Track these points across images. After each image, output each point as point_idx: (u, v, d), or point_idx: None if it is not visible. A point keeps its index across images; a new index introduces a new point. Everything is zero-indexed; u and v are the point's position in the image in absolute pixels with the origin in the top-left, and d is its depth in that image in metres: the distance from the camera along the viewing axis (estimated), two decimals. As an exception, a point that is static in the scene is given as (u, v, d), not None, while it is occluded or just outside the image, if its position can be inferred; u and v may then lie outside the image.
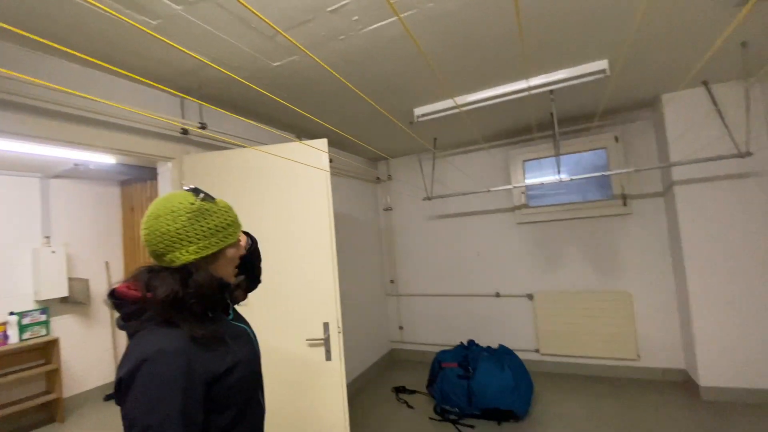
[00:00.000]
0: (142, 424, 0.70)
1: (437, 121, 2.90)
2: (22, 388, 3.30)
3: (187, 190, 0.86)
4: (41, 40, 1.06)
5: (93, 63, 1.71)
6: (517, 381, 2.76)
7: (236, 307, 1.04)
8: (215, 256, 0.86)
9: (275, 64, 1.87)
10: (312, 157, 1.96)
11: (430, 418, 2.91)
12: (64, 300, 3.61)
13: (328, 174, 1.95)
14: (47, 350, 3.41)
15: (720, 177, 2.74)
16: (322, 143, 1.95)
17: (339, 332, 1.89)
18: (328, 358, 1.88)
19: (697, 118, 2.74)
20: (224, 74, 1.91)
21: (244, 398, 0.87)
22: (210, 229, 0.84)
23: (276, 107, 2.43)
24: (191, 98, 2.10)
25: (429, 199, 3.33)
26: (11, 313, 3.26)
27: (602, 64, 2.15)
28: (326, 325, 1.89)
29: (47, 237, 3.58)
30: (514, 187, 3.14)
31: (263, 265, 1.19)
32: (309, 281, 1.92)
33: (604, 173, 2.72)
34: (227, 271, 0.91)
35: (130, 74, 1.81)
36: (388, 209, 4.44)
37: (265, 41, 1.66)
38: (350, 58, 1.87)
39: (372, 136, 3.37)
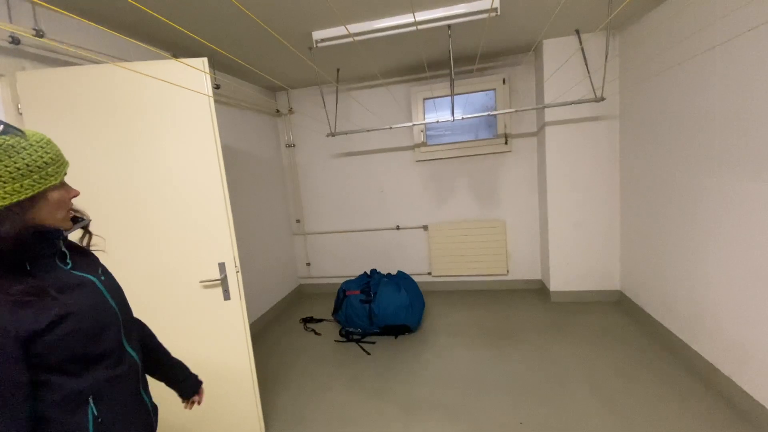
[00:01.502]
0: None
1: (339, 49, 2.76)
2: None
3: None
4: None
5: None
6: (412, 300, 3.11)
7: (95, 253, 0.96)
8: (31, 202, 0.74)
9: (132, -39, 1.52)
10: (193, 80, 1.73)
11: (336, 341, 3.17)
12: None
13: (211, 98, 1.74)
14: None
15: (580, 119, 3.22)
16: (202, 62, 1.72)
17: (237, 271, 1.86)
18: (227, 297, 1.86)
19: (569, 65, 3.09)
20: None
21: (93, 350, 0.82)
22: (19, 169, 0.71)
23: (144, 17, 2.03)
24: (15, -6, 1.62)
25: (333, 135, 3.26)
26: None
27: (495, 2, 2.23)
28: (222, 266, 1.83)
29: None
30: (414, 125, 3.25)
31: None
32: (199, 221, 1.80)
33: (490, 113, 2.96)
34: (54, 217, 0.80)
35: None
36: (290, 146, 4.25)
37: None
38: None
39: (268, 61, 3.07)
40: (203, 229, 1.81)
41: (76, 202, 0.87)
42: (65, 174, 0.80)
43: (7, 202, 0.69)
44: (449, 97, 3.60)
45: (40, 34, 1.70)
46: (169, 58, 2.07)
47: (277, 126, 4.22)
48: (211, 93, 1.74)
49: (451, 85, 2.88)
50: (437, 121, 3.04)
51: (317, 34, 2.40)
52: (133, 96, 1.71)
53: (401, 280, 3.30)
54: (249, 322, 3.27)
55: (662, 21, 2.44)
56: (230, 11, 2.04)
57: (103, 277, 0.91)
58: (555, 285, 3.53)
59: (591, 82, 2.85)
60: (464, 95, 3.76)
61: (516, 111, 3.03)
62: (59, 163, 0.78)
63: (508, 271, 3.94)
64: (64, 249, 0.84)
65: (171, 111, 1.73)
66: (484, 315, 3.41)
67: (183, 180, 1.78)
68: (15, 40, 1.68)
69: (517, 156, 3.75)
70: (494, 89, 3.69)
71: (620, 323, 3.00)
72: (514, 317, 3.30)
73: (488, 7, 2.25)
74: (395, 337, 3.12)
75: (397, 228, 4.14)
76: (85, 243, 0.94)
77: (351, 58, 3.11)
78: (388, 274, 3.51)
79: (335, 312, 3.36)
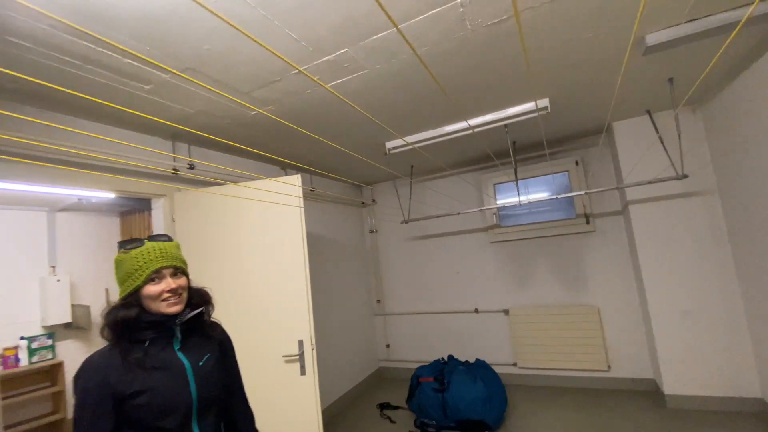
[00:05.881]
0: (73, 415, 0.97)
1: (410, 151, 3.19)
2: (31, 408, 3.47)
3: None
4: (73, 92, 1.33)
5: (99, 117, 2.00)
6: (490, 392, 2.92)
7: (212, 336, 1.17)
8: (136, 295, 1.02)
9: (252, 113, 2.16)
10: (290, 189, 2.22)
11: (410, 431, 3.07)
12: (67, 325, 3.82)
13: (302, 206, 2.20)
14: (53, 373, 3.59)
15: (666, 197, 2.99)
16: (296, 179, 2.22)
17: (312, 348, 2.10)
18: (303, 372, 2.08)
19: (644, 143, 3.01)
20: (210, 121, 2.21)
21: (156, 424, 0.98)
22: (123, 275, 1.04)
23: (258, 145, 2.72)
24: (182, 138, 2.39)
25: (406, 222, 3.58)
26: (21, 338, 3.47)
27: (544, 102, 2.44)
28: (300, 343, 2.10)
29: (53, 266, 3.83)
30: (480, 209, 3.39)
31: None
32: (285, 302, 2.15)
33: (558, 196, 2.97)
34: (155, 306, 1.03)
35: (134, 116, 2.10)
36: (373, 231, 4.68)
37: (241, 96, 1.95)
38: (318, 104, 2.16)
39: (352, 166, 3.65)
40: (288, 310, 2.14)
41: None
42: (147, 276, 1.02)
43: (122, 295, 1.03)
44: (521, 181, 3.72)
45: (191, 166, 2.43)
46: (279, 171, 2.67)
47: (362, 215, 4.75)
48: (302, 204, 2.21)
49: (515, 172, 3.02)
50: (504, 206, 3.14)
51: (389, 144, 2.86)
52: (245, 204, 2.25)
53: (479, 369, 3.15)
54: (327, 403, 3.45)
55: (746, 89, 2.30)
56: (325, 131, 2.60)
57: (201, 363, 1.08)
58: (671, 387, 2.96)
59: (670, 159, 2.71)
60: (540, 177, 3.81)
61: (586, 193, 2.98)
62: (142, 269, 1.02)
63: (609, 367, 3.44)
64: (178, 334, 1.07)
65: (271, 214, 2.23)
66: (579, 418, 2.97)
67: (277, 267, 2.18)
68: (176, 170, 2.41)
69: (603, 236, 3.53)
70: (567, 171, 3.69)
71: (767, 446, 2.35)
72: (619, 424, 2.81)
73: (540, 107, 2.46)
74: (473, 435, 2.90)
75: (476, 311, 4.04)
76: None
77: (422, 157, 3.53)
78: (466, 361, 3.38)
79: (409, 399, 3.29)
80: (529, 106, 2.43)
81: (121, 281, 1.04)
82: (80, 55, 1.47)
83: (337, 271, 4.02)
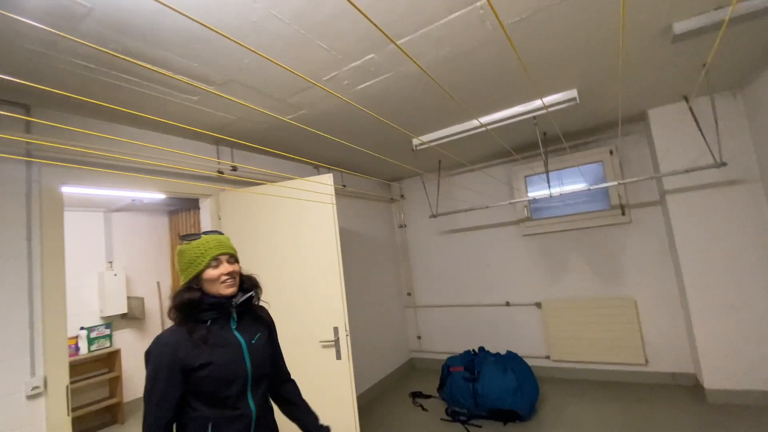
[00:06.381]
0: (145, 385, 1.11)
1: (438, 146, 3.24)
2: (90, 393, 3.86)
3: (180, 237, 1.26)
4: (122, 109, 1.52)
5: (150, 126, 2.22)
6: (521, 383, 2.96)
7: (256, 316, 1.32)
8: (198, 279, 1.18)
9: (288, 117, 2.30)
10: (323, 188, 2.36)
11: (442, 419, 3.16)
12: (123, 316, 4.20)
13: (333, 204, 2.33)
14: (110, 360, 3.97)
15: (706, 185, 2.88)
16: (328, 178, 2.35)
17: (347, 335, 2.24)
18: (338, 357, 2.23)
19: (681, 131, 2.91)
20: (250, 126, 2.38)
21: (219, 393, 1.12)
22: (185, 263, 1.19)
23: (293, 146, 2.88)
24: (225, 141, 2.58)
25: (434, 216, 3.64)
26: (81, 328, 3.86)
27: (572, 93, 2.43)
28: (336, 329, 2.24)
29: (110, 262, 4.21)
30: (510, 202, 3.40)
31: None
32: (321, 292, 2.30)
33: (591, 187, 2.93)
34: (215, 288, 1.18)
35: (179, 124, 2.30)
36: (402, 226, 4.78)
37: (278, 102, 2.10)
38: (346, 106, 2.27)
39: (380, 163, 3.76)
40: (324, 299, 2.29)
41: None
42: (207, 261, 1.18)
43: (184, 280, 1.19)
44: (553, 172, 3.68)
45: (234, 168, 2.62)
46: (312, 168, 2.81)
47: (390, 210, 4.85)
48: (334, 201, 2.33)
49: (545, 164, 3.01)
50: (534, 199, 3.13)
51: (415, 141, 2.93)
52: (282, 201, 2.42)
53: (509, 360, 3.19)
54: (361, 390, 3.59)
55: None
56: (355, 128, 2.71)
57: (254, 341, 1.23)
58: (711, 382, 2.88)
59: (708, 146, 2.62)
60: (574, 168, 3.75)
61: (621, 183, 2.92)
62: (203, 255, 1.18)
63: (646, 361, 3.37)
64: (234, 314, 1.23)
65: (306, 211, 2.38)
66: (614, 411, 2.95)
67: (311, 260, 2.34)
68: (220, 172, 2.61)
69: (640, 227, 3.44)
70: (601, 161, 3.61)
71: (817, 443, 2.25)
72: (656, 418, 2.77)
73: (569, 97, 2.45)
74: (504, 424, 2.95)
75: (507, 304, 4.06)
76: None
77: (450, 151, 3.57)
78: (497, 353, 3.42)
79: (440, 388, 3.38)
80: (556, 97, 2.43)
81: (184, 268, 1.20)
82: (139, 74, 1.66)
83: (368, 264, 4.15)
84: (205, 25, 0.94)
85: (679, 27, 1.70)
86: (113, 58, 1.51)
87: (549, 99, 2.48)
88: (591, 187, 2.91)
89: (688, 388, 3.15)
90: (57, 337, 1.80)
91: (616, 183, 2.88)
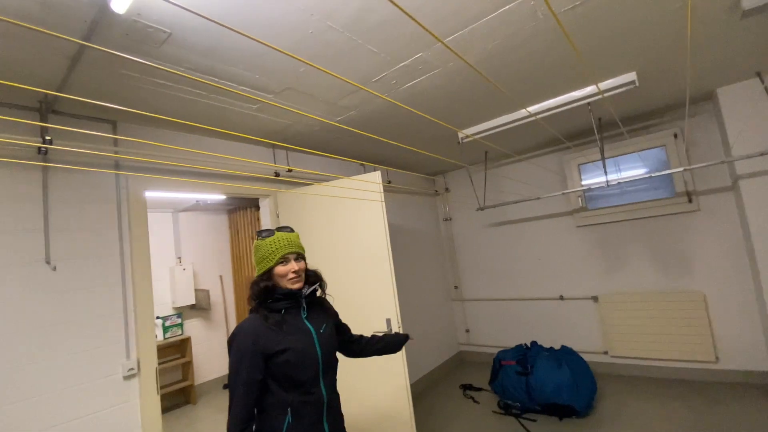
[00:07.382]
0: (230, 370, 1.23)
1: (485, 138, 3.20)
2: (165, 377, 4.26)
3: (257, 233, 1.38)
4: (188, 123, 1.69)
5: (215, 134, 2.42)
6: (576, 378, 2.88)
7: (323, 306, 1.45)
8: (269, 273, 1.30)
9: (338, 119, 2.40)
10: (372, 186, 2.44)
11: (494, 412, 3.17)
12: (192, 307, 4.60)
13: (382, 201, 2.40)
14: (182, 346, 4.36)
15: (790, 168, 2.61)
16: (376, 176, 2.43)
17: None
18: (392, 348, 2.31)
19: (755, 110, 2.64)
20: (303, 129, 2.51)
21: (296, 377, 1.22)
22: (259, 257, 1.31)
23: (342, 145, 2.99)
24: (282, 145, 2.74)
25: (481, 209, 3.60)
26: (157, 318, 4.28)
27: (631, 76, 2.30)
28: (388, 321, 2.33)
29: (179, 258, 4.62)
30: (563, 193, 3.28)
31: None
32: (373, 285, 2.39)
33: (652, 174, 2.76)
34: (283, 283, 1.30)
35: (240, 133, 2.49)
36: (447, 219, 4.77)
37: (329, 105, 2.20)
38: (394, 105, 2.32)
39: (426, 157, 3.77)
40: (377, 292, 2.38)
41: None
42: (277, 259, 1.28)
43: (258, 273, 1.31)
44: (609, 159, 3.49)
45: (290, 170, 2.77)
46: (360, 168, 2.91)
47: (435, 203, 4.85)
48: (382, 198, 2.41)
49: (601, 151, 2.87)
50: (589, 188, 3.01)
51: (461, 134, 2.92)
52: (334, 199, 2.53)
53: (564, 355, 3.11)
54: (411, 381, 3.67)
55: None
56: (403, 124, 2.77)
57: (321, 330, 1.32)
58: (797, 383, 2.63)
59: (793, 125, 2.36)
60: (633, 154, 3.53)
61: (686, 169, 2.72)
62: (275, 252, 1.29)
63: (717, 358, 3.14)
64: (304, 304, 1.34)
65: (358, 209, 2.47)
66: (681, 411, 2.79)
67: (363, 255, 2.44)
68: (277, 174, 2.78)
69: (710, 215, 3.18)
70: (664, 145, 3.37)
71: None
72: (727, 420, 2.58)
73: (627, 81, 2.32)
74: (560, 419, 2.90)
75: (561, 298, 3.94)
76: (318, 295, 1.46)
77: (496, 142, 3.51)
78: (550, 347, 3.35)
79: (491, 381, 3.38)
80: (612, 82, 2.31)
81: (259, 261, 1.33)
82: (207, 88, 1.82)
83: (414, 258, 4.20)
84: (264, 43, 1.04)
85: (748, 2, 1.57)
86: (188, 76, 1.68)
87: (605, 84, 2.37)
88: (653, 174, 2.74)
89: (763, 387, 2.90)
90: (146, 324, 2.04)
91: (681, 169, 2.68)
